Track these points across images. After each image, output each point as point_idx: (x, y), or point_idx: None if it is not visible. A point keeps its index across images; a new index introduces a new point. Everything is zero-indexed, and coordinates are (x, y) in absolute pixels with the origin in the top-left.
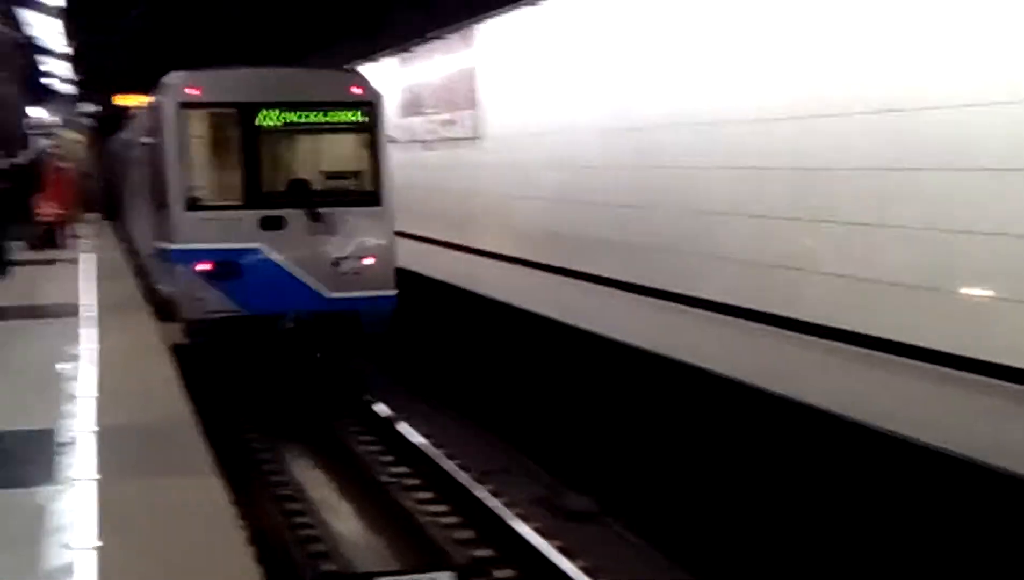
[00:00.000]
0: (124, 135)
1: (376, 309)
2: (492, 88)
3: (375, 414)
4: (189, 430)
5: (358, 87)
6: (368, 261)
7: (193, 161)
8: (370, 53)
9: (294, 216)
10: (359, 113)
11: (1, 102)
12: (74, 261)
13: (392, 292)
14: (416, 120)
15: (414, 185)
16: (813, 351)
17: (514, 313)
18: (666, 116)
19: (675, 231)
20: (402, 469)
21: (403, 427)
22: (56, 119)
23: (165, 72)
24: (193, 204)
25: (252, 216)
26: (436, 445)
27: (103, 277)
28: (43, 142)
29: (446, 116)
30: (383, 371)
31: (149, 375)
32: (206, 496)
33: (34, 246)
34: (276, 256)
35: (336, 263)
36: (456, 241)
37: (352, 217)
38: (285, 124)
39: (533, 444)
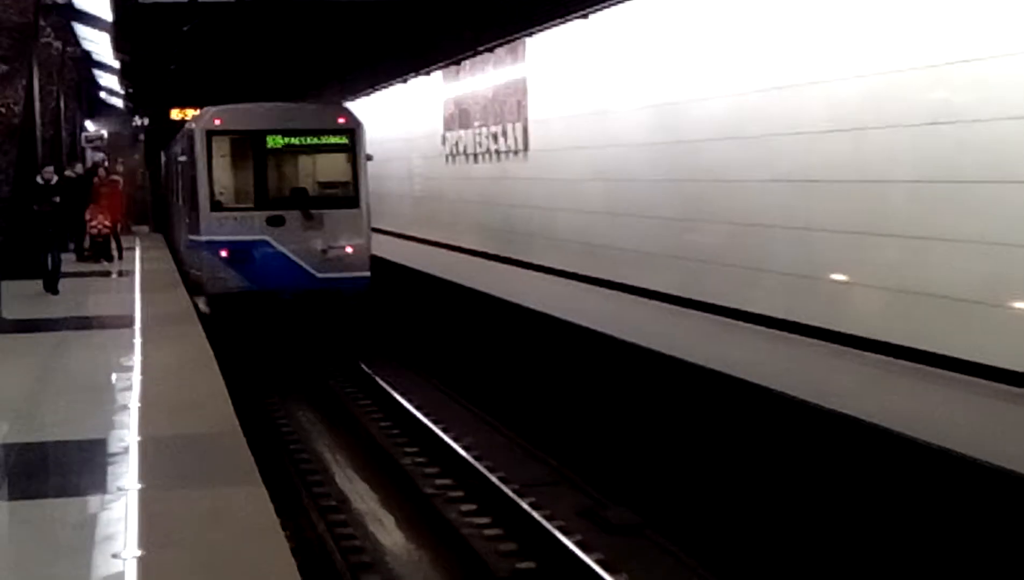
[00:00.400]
0: (168, 152)
1: (354, 286)
2: (540, 101)
3: (416, 419)
4: (236, 439)
5: (343, 117)
6: (348, 250)
7: (216, 174)
8: (418, 68)
9: (292, 215)
10: (343, 137)
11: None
12: (126, 272)
13: (366, 273)
14: (464, 133)
15: (464, 198)
16: (862, 365)
17: (560, 326)
18: (714, 129)
19: (720, 243)
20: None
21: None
22: (103, 133)
23: (217, 88)
24: (216, 206)
25: (261, 215)
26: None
27: (155, 288)
28: (97, 155)
29: (494, 129)
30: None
31: (199, 386)
32: (252, 506)
33: (85, 258)
34: (279, 246)
35: (324, 251)
36: (503, 254)
37: (336, 216)
38: (286, 146)
39: (573, 455)
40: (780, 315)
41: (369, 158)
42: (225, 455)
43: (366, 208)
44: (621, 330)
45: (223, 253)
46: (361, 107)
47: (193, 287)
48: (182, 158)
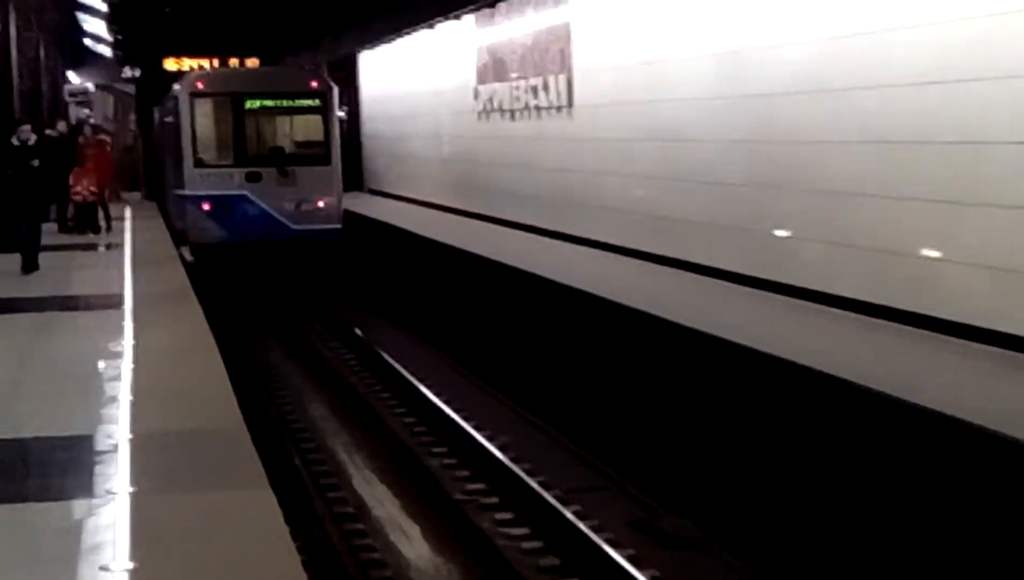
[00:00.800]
0: (160, 110)
1: (326, 236)
2: (587, 49)
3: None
4: (240, 435)
5: (315, 81)
6: (320, 203)
7: (199, 133)
8: (446, 11)
9: (269, 172)
10: (316, 100)
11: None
12: (115, 245)
13: (338, 225)
14: (498, 86)
15: (498, 161)
16: (960, 357)
17: (609, 308)
18: (788, 82)
19: (796, 214)
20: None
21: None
22: (90, 86)
23: (218, 35)
24: (200, 163)
25: (240, 172)
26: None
27: (147, 263)
28: (82, 112)
29: (534, 81)
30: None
31: (198, 374)
32: (257, 511)
33: (69, 229)
34: (256, 199)
35: (298, 205)
36: (543, 225)
37: (310, 173)
38: (263, 108)
39: (627, 462)
40: (866, 298)
41: (341, 120)
42: (227, 453)
43: (337, 165)
44: (681, 315)
45: (205, 206)
46: (382, 56)
47: (178, 238)
48: (168, 119)
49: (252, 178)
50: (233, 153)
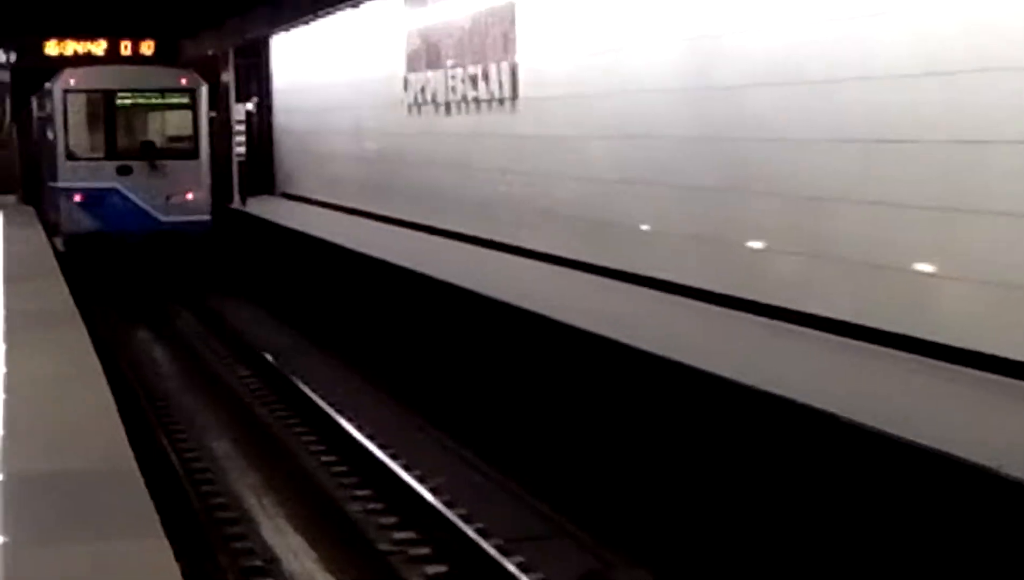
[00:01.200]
0: (39, 101)
1: (195, 228)
2: (535, 33)
3: None
4: (130, 476)
5: (185, 79)
6: (189, 196)
7: (72, 127)
8: None
9: (140, 165)
10: (185, 96)
11: None
12: None
13: (207, 217)
14: (431, 75)
15: (432, 160)
16: (953, 386)
17: (558, 330)
18: (761, 72)
19: (771, 222)
20: None
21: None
22: None
23: (106, 14)
24: (72, 156)
25: (111, 165)
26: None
27: (22, 277)
28: None
29: (473, 70)
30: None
31: (82, 406)
32: (150, 563)
33: None
34: (127, 192)
35: (168, 197)
36: (483, 235)
37: (179, 167)
38: (134, 103)
39: (575, 506)
40: (848, 318)
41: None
42: (116, 497)
43: (207, 160)
44: (660, 346)
45: (77, 198)
46: (298, 41)
47: (51, 229)
48: (43, 113)
49: (123, 171)
50: (105, 147)
